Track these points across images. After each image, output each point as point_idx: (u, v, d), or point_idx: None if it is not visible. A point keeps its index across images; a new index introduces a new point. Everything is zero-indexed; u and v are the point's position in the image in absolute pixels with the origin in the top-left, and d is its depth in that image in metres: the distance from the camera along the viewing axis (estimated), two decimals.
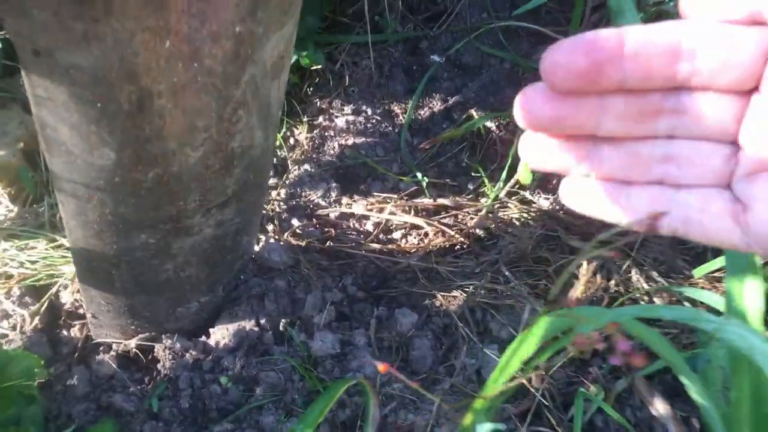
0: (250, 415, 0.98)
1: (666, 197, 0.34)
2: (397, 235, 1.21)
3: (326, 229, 1.19)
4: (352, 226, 1.22)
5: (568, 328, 0.62)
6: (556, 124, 0.32)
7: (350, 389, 0.99)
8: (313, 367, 1.01)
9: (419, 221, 1.22)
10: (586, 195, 0.35)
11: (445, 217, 1.25)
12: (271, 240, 1.14)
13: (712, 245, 0.34)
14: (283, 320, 1.06)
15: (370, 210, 1.24)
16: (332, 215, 1.23)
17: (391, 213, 1.23)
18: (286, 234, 1.16)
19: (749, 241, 0.32)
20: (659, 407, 0.96)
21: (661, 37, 0.30)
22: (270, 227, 1.18)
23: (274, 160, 1.30)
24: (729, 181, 0.33)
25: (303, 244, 1.15)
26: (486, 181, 1.30)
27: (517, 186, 1.30)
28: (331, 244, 1.17)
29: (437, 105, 1.40)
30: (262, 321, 1.05)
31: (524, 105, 0.32)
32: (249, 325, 1.05)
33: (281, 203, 1.22)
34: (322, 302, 1.08)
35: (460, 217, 1.25)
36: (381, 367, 0.39)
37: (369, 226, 1.22)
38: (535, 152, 0.35)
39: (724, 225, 0.32)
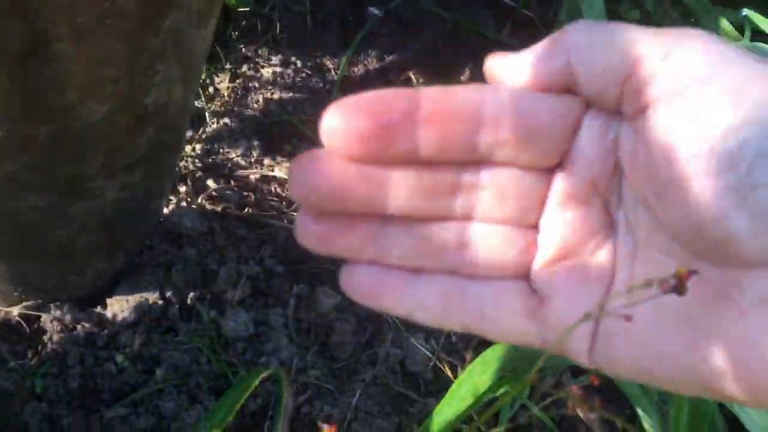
0: (149, 400, 0.88)
1: (459, 289, 0.30)
2: None
3: (245, 193, 1.08)
4: (274, 191, 1.11)
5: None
6: (337, 198, 0.27)
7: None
8: (222, 348, 0.92)
9: None
10: (370, 284, 0.30)
11: None
12: (183, 203, 1.03)
13: (508, 342, 0.29)
14: (191, 294, 0.95)
15: None
16: (253, 177, 1.12)
17: None
18: (200, 197, 1.04)
19: (546, 338, 0.29)
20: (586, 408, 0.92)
21: (463, 101, 0.27)
22: (182, 188, 1.06)
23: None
24: (527, 272, 0.30)
25: (219, 209, 1.04)
26: None
27: None
28: (250, 210, 1.06)
29: (373, 63, 1.30)
30: (168, 293, 0.94)
31: (297, 174, 0.27)
32: (152, 297, 0.94)
33: (196, 160, 1.10)
34: (236, 275, 0.98)
35: None
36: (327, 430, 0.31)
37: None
38: (313, 233, 0.29)
39: (519, 322, 0.30)
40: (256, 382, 0.80)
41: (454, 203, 0.29)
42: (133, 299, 0.93)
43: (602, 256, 0.29)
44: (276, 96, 1.21)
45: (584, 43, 0.27)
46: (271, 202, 1.09)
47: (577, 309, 0.28)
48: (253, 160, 1.14)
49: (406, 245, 0.30)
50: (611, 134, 0.28)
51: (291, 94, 1.22)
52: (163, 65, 0.65)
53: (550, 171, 0.29)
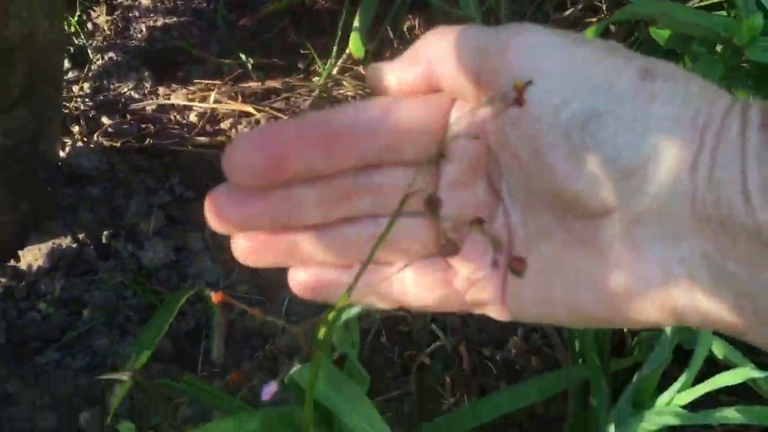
0: (80, 341, 0.88)
1: (384, 275, 0.34)
2: (225, 125, 1.11)
3: (143, 126, 1.06)
4: (173, 119, 1.09)
5: None
6: (249, 224, 0.31)
7: (192, 297, 0.91)
8: (146, 279, 0.92)
9: (248, 108, 1.12)
10: (313, 281, 0.34)
11: (275, 101, 1.15)
12: (79, 143, 1.00)
13: (434, 310, 0.35)
14: (105, 232, 0.94)
15: (192, 99, 1.12)
16: (149, 108, 1.09)
17: (216, 101, 1.12)
18: (95, 135, 1.02)
19: (464, 301, 0.33)
20: None
21: (340, 122, 0.30)
22: (75, 128, 1.03)
23: (71, 49, 1.12)
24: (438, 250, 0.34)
25: (117, 144, 1.01)
26: (316, 57, 1.21)
27: (350, 61, 1.22)
28: (151, 141, 1.04)
29: None
30: (80, 235, 0.93)
31: (212, 209, 0.31)
32: (65, 241, 0.93)
33: (86, 99, 1.07)
34: (147, 207, 0.97)
35: (292, 99, 1.16)
36: (215, 297, 0.32)
37: (193, 118, 1.10)
38: (247, 251, 0.33)
39: (439, 294, 0.33)
40: (182, 301, 0.81)
41: (356, 205, 0.32)
42: (46, 247, 0.92)
43: (495, 225, 0.33)
44: (159, 23, 1.17)
45: (440, 48, 0.30)
46: (171, 131, 1.07)
47: (483, 273, 0.32)
48: (146, 91, 1.11)
49: (326, 248, 0.33)
50: (478, 121, 0.31)
51: (174, 19, 1.18)
52: None
53: (435, 162, 0.33)
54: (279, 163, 0.29)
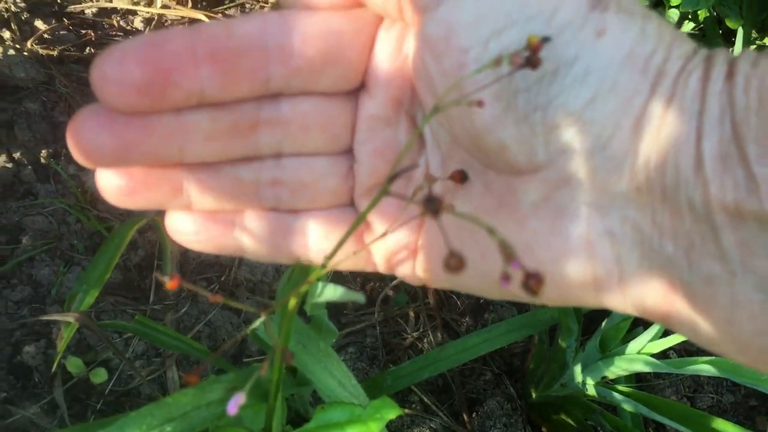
0: (20, 270, 0.82)
1: (284, 225, 0.29)
2: None
3: (83, 32, 0.96)
4: (116, 24, 0.99)
5: None
6: (123, 156, 0.25)
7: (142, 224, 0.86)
8: (90, 205, 0.85)
9: (199, 14, 1.02)
10: (196, 230, 0.28)
11: (229, 7, 1.06)
12: (11, 51, 0.90)
13: (341, 269, 0.30)
14: (43, 151, 0.87)
15: (137, 2, 1.02)
16: (89, 12, 0.99)
17: (164, 6, 1.02)
18: (29, 41, 0.92)
19: (377, 261, 0.29)
20: None
21: (244, 34, 0.24)
22: (6, 34, 0.93)
23: None
24: (351, 199, 0.30)
25: (55, 53, 0.92)
26: None
27: None
28: (92, 50, 0.95)
29: None
30: (16, 155, 0.86)
31: (76, 133, 0.24)
32: None
33: (17, 0, 0.96)
34: None
35: (247, 6, 1.07)
36: (170, 283, 0.27)
37: (137, 24, 1.01)
38: (120, 190, 0.26)
39: (349, 249, 0.29)
40: (132, 233, 0.75)
41: (257, 141, 0.27)
42: None
43: (418, 173, 0.28)
44: None
45: None
46: (114, 38, 0.98)
47: (398, 229, 0.28)
48: None
49: (217, 190, 0.28)
50: (405, 48, 0.26)
51: None
52: None
53: (354, 94, 0.28)
54: (165, 81, 0.23)
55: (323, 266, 0.29)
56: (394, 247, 0.29)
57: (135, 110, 0.24)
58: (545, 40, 0.22)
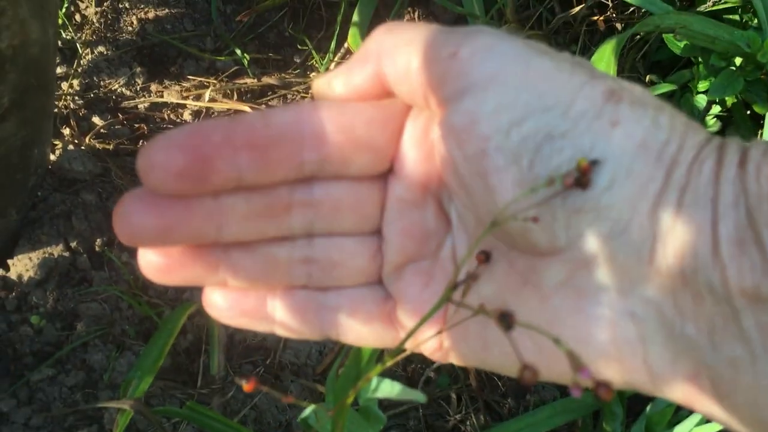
0: (74, 355, 0.85)
1: (313, 303, 0.30)
2: None
3: (136, 126, 1.02)
4: (166, 117, 1.05)
5: None
6: (165, 236, 0.26)
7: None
8: (141, 291, 0.89)
9: (244, 107, 1.08)
10: (230, 306, 0.30)
11: (272, 99, 1.12)
12: (70, 146, 0.96)
13: (367, 346, 0.31)
14: (98, 240, 0.91)
15: (186, 97, 1.08)
16: (141, 107, 1.05)
17: (212, 99, 1.08)
18: (87, 137, 0.97)
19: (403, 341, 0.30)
20: None
21: (280, 124, 0.26)
22: (66, 130, 0.99)
23: (59, 43, 1.08)
24: (380, 277, 0.31)
25: (110, 147, 0.97)
26: (314, 52, 1.17)
27: (348, 56, 1.18)
28: (145, 143, 1.00)
29: None
30: (73, 244, 0.90)
31: (122, 216, 0.26)
32: (56, 250, 0.89)
33: (76, 97, 1.02)
34: None
35: (289, 97, 1.13)
36: (246, 386, 0.29)
37: (187, 116, 1.06)
38: (159, 268, 0.28)
39: (377, 328, 0.30)
40: (183, 320, 0.78)
41: (291, 222, 0.28)
42: (37, 256, 0.88)
43: (443, 253, 0.29)
44: (151, 15, 1.12)
45: (388, 46, 0.26)
46: (166, 130, 1.03)
47: (425, 309, 0.28)
48: (138, 88, 1.07)
49: (251, 269, 0.29)
50: (433, 134, 0.27)
51: (167, 11, 1.14)
52: (8, 2, 0.59)
53: (383, 177, 0.29)
54: (205, 167, 0.25)
55: (384, 363, 0.31)
56: (422, 341, 0.30)
57: (177, 194, 0.26)
58: (594, 163, 0.23)
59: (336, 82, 0.28)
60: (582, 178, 0.23)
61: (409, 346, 0.30)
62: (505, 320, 0.23)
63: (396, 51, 0.26)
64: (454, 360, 0.30)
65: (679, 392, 0.24)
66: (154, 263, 0.28)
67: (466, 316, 0.27)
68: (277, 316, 0.30)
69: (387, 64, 0.26)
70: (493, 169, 0.24)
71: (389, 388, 0.40)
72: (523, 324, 0.23)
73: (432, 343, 0.30)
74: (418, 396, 0.37)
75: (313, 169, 0.27)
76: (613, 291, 0.24)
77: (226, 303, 0.30)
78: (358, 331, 0.30)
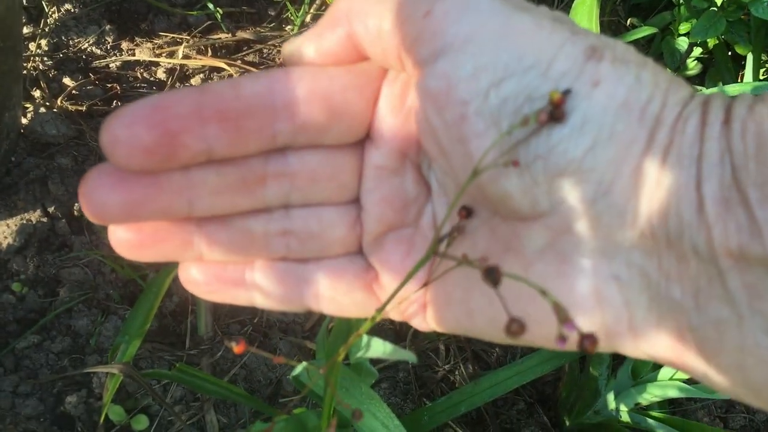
0: (59, 321, 0.84)
1: (292, 274, 0.29)
2: (196, 81, 1.04)
3: (109, 86, 1.00)
4: (140, 76, 1.02)
5: None
6: (133, 212, 0.25)
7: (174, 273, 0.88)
8: None
9: (219, 63, 1.05)
10: (208, 281, 0.29)
11: (248, 54, 1.09)
12: (42, 109, 0.93)
13: (349, 317, 0.30)
14: (76, 204, 0.89)
15: (159, 54, 1.05)
16: (113, 66, 1.02)
17: (185, 56, 1.05)
18: (59, 99, 0.95)
19: (386, 309, 0.29)
20: None
21: (250, 94, 0.25)
22: (37, 93, 0.96)
23: (24, 1, 1.04)
24: (360, 247, 0.30)
25: (83, 108, 0.95)
26: (288, 4, 1.14)
27: (324, 7, 1.16)
28: (119, 103, 0.98)
29: None
30: (50, 209, 0.88)
31: (87, 193, 0.25)
32: (34, 216, 0.87)
33: (45, 58, 0.99)
34: None
35: (265, 51, 1.10)
36: (236, 348, 0.29)
37: (161, 75, 1.04)
38: (131, 244, 0.27)
39: (358, 298, 0.29)
40: (168, 282, 0.77)
41: (266, 194, 0.27)
42: (14, 222, 0.87)
43: (424, 221, 0.29)
44: None
45: (358, 6, 0.25)
46: (139, 90, 1.01)
47: (413, 281, 0.28)
48: (108, 46, 1.04)
49: (227, 242, 0.28)
50: (409, 100, 0.26)
51: None
52: None
53: (359, 145, 0.28)
54: (173, 142, 0.24)
55: (373, 319, 0.30)
56: (405, 299, 0.29)
57: (144, 170, 0.24)
58: (567, 92, 0.22)
59: (307, 47, 0.27)
60: (556, 111, 0.23)
61: (394, 314, 0.30)
62: (492, 275, 0.23)
63: (367, 11, 0.25)
64: (439, 327, 0.29)
65: (665, 354, 0.23)
66: (126, 240, 0.27)
67: (450, 277, 0.27)
68: (256, 288, 0.29)
69: (358, 26, 0.25)
70: (472, 134, 0.23)
71: (381, 348, 0.40)
72: (510, 275, 0.23)
73: (416, 313, 0.29)
74: (409, 356, 0.36)
75: (286, 139, 0.26)
76: (597, 254, 0.23)
77: (204, 277, 0.29)
78: (340, 302, 0.29)
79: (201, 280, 0.29)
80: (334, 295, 0.29)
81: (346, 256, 0.30)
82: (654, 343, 0.23)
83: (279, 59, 1.09)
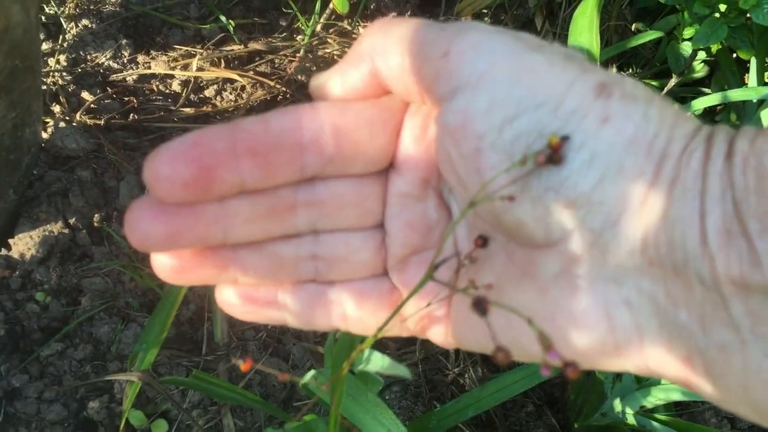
0: (81, 329, 0.87)
1: (323, 295, 0.31)
2: (210, 93, 1.07)
3: (126, 99, 1.02)
4: (155, 89, 1.05)
5: None
6: (173, 241, 0.27)
7: None
8: (142, 264, 0.91)
9: (232, 74, 1.08)
10: (242, 302, 0.31)
11: (260, 64, 1.12)
12: (62, 123, 0.96)
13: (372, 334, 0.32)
14: (96, 215, 0.92)
15: (174, 67, 1.07)
16: (129, 79, 1.05)
17: (199, 68, 1.08)
18: (78, 113, 0.98)
19: (410, 328, 0.31)
20: None
21: (279, 129, 0.27)
22: (56, 107, 0.99)
23: (43, 18, 1.07)
24: (385, 269, 0.32)
25: (101, 122, 0.98)
26: (299, 14, 1.16)
27: (333, 17, 1.18)
28: (136, 116, 1.01)
29: None
30: (71, 220, 0.91)
31: (131, 224, 0.27)
32: (56, 227, 0.90)
33: (64, 73, 1.02)
34: (138, 187, 0.94)
35: (277, 62, 1.12)
36: (243, 366, 0.32)
37: (176, 87, 1.07)
38: (172, 270, 0.29)
39: (383, 318, 0.31)
40: (185, 290, 0.80)
41: (295, 221, 0.29)
42: (37, 234, 0.90)
43: (445, 245, 0.30)
44: None
45: (380, 46, 0.27)
46: (155, 102, 1.04)
47: (430, 298, 0.30)
48: (125, 60, 1.07)
49: (259, 267, 0.30)
50: (430, 131, 0.28)
51: None
52: None
53: (384, 173, 0.30)
54: (209, 176, 0.26)
55: (375, 336, 0.32)
56: (427, 317, 0.31)
57: (183, 201, 0.27)
58: (564, 139, 0.24)
59: (332, 83, 0.29)
60: (554, 155, 0.24)
61: (418, 335, 0.32)
62: (480, 306, 0.25)
63: (388, 50, 0.27)
64: (459, 346, 0.31)
65: (674, 374, 0.25)
66: (168, 266, 0.29)
67: (467, 301, 0.28)
68: (287, 309, 0.31)
69: (381, 64, 0.27)
70: (488, 166, 0.25)
71: (379, 362, 0.42)
72: (498, 304, 0.25)
73: (439, 331, 0.31)
74: (403, 372, 0.38)
75: (314, 170, 0.28)
76: (608, 281, 0.24)
77: (239, 299, 0.31)
78: (366, 322, 0.31)
79: (236, 302, 0.31)
80: (360, 315, 0.31)
81: (371, 278, 0.32)
82: (663, 364, 0.24)
83: (290, 69, 1.11)
